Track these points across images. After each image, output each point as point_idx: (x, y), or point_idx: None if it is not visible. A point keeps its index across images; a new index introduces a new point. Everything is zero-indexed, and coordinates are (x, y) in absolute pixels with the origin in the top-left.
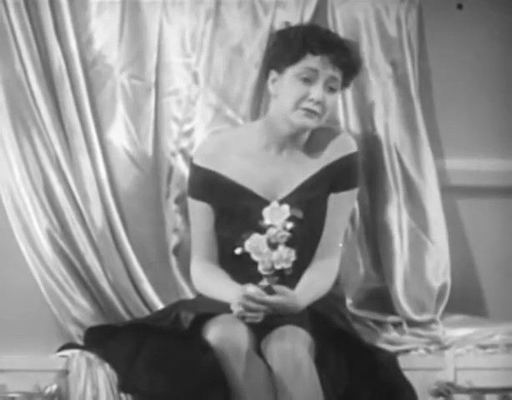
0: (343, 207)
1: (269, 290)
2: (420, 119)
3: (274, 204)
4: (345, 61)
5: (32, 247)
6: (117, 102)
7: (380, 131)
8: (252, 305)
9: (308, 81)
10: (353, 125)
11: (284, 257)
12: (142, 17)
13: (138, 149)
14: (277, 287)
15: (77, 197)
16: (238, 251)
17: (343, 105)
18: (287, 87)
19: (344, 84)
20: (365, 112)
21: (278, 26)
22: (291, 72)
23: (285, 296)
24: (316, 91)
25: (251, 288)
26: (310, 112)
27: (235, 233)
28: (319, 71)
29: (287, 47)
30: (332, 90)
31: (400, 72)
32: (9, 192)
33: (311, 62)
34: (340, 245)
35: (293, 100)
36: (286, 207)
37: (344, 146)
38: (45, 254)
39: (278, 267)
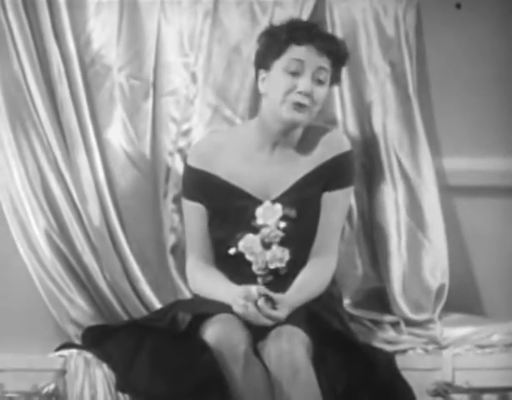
0: (337, 205)
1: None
2: (418, 118)
3: (267, 204)
4: (332, 48)
5: (30, 248)
6: (115, 102)
7: (378, 130)
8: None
9: (295, 74)
10: (351, 125)
11: (278, 256)
12: (140, 17)
13: (136, 149)
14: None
15: (75, 198)
16: (231, 251)
17: (341, 105)
18: (274, 81)
19: (334, 78)
20: (363, 111)
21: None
22: (277, 65)
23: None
24: (304, 83)
25: (252, 288)
26: (299, 106)
27: (229, 234)
28: (306, 62)
29: (271, 41)
30: (321, 82)
31: (398, 71)
32: (7, 193)
33: (297, 52)
34: (337, 243)
35: (281, 92)
36: (279, 206)
37: (338, 144)
38: (43, 254)
39: (272, 266)
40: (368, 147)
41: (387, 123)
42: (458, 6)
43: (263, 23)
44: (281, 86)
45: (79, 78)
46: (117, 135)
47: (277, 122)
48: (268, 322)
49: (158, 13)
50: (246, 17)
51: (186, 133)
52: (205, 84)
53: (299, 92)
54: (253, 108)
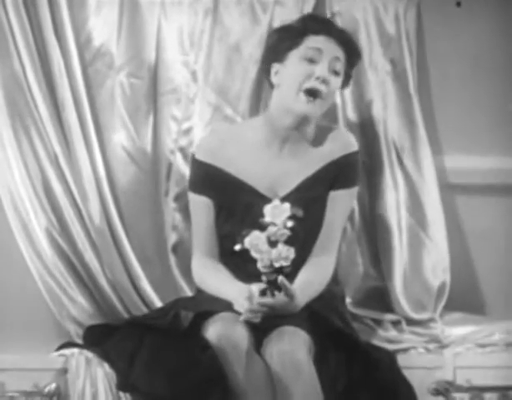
0: (341, 205)
1: (275, 285)
2: (419, 116)
3: (276, 202)
4: (348, 41)
5: (31, 246)
6: (115, 101)
7: (379, 128)
8: (255, 307)
9: (312, 61)
10: (352, 122)
11: (284, 255)
12: (140, 16)
13: (137, 147)
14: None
15: (76, 196)
16: (237, 247)
17: (342, 102)
18: (291, 69)
19: (345, 78)
20: (364, 109)
21: (277, 24)
22: (294, 54)
23: (285, 296)
24: (321, 69)
25: (254, 288)
26: (313, 95)
27: (235, 230)
28: (323, 51)
29: (287, 34)
30: (336, 73)
31: (399, 69)
32: (8, 191)
33: (314, 41)
34: (337, 242)
35: (299, 79)
36: (287, 205)
37: (346, 144)
38: (44, 253)
39: (277, 264)
40: (368, 145)
41: (387, 121)
42: (458, 4)
43: (264, 22)
44: (298, 72)
45: (80, 77)
46: (117, 133)
47: (288, 116)
48: (259, 315)
49: (159, 12)
50: (246, 16)
51: (187, 132)
52: (205, 83)
53: (317, 78)
54: (254, 107)
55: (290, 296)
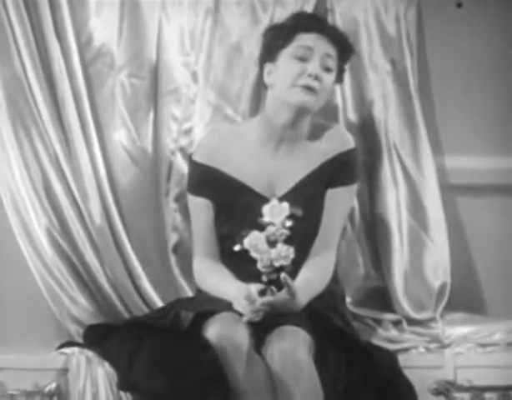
0: (340, 202)
1: (276, 284)
2: (419, 117)
3: (274, 202)
4: (339, 38)
5: (31, 246)
6: (116, 101)
7: (379, 128)
8: (257, 307)
9: (303, 59)
10: (353, 123)
11: (283, 254)
12: (141, 16)
13: (138, 148)
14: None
15: (77, 195)
16: (236, 248)
17: (343, 102)
18: (283, 68)
19: (338, 74)
20: (364, 109)
21: None
22: (285, 53)
23: (286, 293)
24: (313, 66)
25: (253, 288)
26: (308, 89)
27: (234, 230)
28: (314, 49)
29: (278, 32)
30: (328, 70)
31: (399, 69)
32: (8, 191)
33: (305, 39)
34: (337, 240)
35: (291, 77)
36: (286, 205)
37: (342, 141)
38: (44, 252)
39: (276, 264)
40: (369, 145)
41: (388, 121)
42: (459, 5)
43: (264, 22)
44: (290, 71)
45: (80, 77)
46: (118, 134)
47: (284, 110)
48: (260, 314)
49: (159, 12)
50: (247, 16)
51: (187, 132)
52: (206, 83)
53: (309, 75)
54: (254, 107)
55: (292, 294)
